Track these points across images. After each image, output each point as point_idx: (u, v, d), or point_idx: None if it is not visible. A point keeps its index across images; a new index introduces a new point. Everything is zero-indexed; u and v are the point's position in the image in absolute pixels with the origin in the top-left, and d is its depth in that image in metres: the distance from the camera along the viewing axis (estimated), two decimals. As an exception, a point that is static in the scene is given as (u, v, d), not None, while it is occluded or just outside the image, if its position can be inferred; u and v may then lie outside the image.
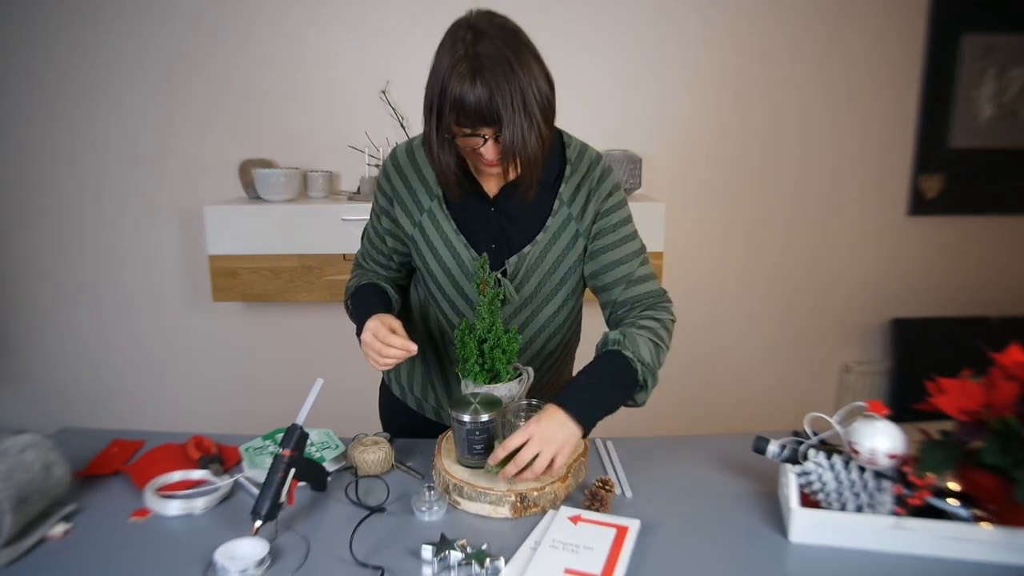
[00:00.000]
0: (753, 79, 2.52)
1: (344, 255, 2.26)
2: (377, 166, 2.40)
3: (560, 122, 1.18)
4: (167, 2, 2.33)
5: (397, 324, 1.15)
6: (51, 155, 2.43)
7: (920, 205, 2.67)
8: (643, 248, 1.25)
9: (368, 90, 2.41)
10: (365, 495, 1.11)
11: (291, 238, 2.23)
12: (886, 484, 0.98)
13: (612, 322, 1.24)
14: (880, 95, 2.58)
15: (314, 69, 2.41)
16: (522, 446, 1.02)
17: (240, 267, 2.25)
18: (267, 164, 2.41)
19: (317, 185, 2.37)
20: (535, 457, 1.01)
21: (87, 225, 2.49)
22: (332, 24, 2.39)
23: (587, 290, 1.31)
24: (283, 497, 0.98)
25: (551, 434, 1.03)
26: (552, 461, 1.02)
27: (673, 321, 1.22)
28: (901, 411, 1.86)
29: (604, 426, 1.10)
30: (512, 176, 1.10)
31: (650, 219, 2.23)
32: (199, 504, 1.06)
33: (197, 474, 1.14)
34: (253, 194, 2.33)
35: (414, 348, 1.11)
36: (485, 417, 1.08)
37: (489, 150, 1.04)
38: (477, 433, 1.08)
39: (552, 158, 1.18)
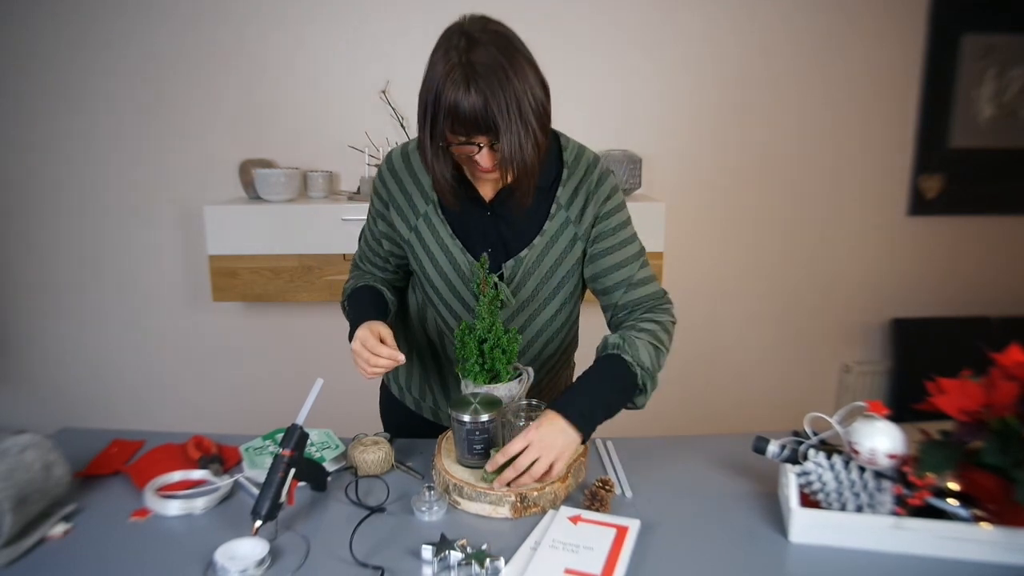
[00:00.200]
0: (753, 79, 2.52)
1: (344, 255, 2.26)
2: (377, 166, 2.40)
3: (560, 122, 1.17)
4: (167, 2, 2.33)
5: (387, 333, 1.15)
6: (51, 155, 2.43)
7: (920, 205, 2.67)
8: (643, 250, 1.25)
9: (368, 90, 2.41)
10: (365, 495, 1.11)
11: (291, 238, 2.23)
12: (886, 484, 0.98)
13: (613, 325, 1.24)
14: (880, 95, 2.58)
15: (314, 69, 2.41)
16: (521, 452, 1.02)
17: (240, 267, 2.25)
18: (267, 164, 2.41)
19: (317, 185, 2.37)
20: (533, 462, 1.01)
21: (87, 225, 2.49)
22: (332, 24, 2.39)
23: (586, 293, 1.31)
24: (283, 497, 0.98)
25: (550, 440, 1.03)
26: (551, 467, 1.02)
27: (673, 323, 1.22)
28: (901, 411, 1.86)
29: (604, 426, 1.10)
30: (508, 182, 1.09)
31: (650, 219, 2.23)
32: (199, 504, 1.06)
33: (197, 474, 1.14)
34: (253, 194, 2.33)
35: (402, 358, 1.11)
36: (485, 417, 1.08)
37: (484, 158, 1.03)
38: (477, 433, 1.08)
39: (548, 161, 1.17)
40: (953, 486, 0.98)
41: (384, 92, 2.41)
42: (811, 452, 1.03)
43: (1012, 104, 2.59)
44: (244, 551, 0.93)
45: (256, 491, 1.03)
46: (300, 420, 1.03)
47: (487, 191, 1.18)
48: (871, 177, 2.65)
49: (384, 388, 1.49)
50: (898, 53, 2.55)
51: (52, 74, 2.37)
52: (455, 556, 0.92)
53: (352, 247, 2.19)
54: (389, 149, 2.38)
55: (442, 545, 0.93)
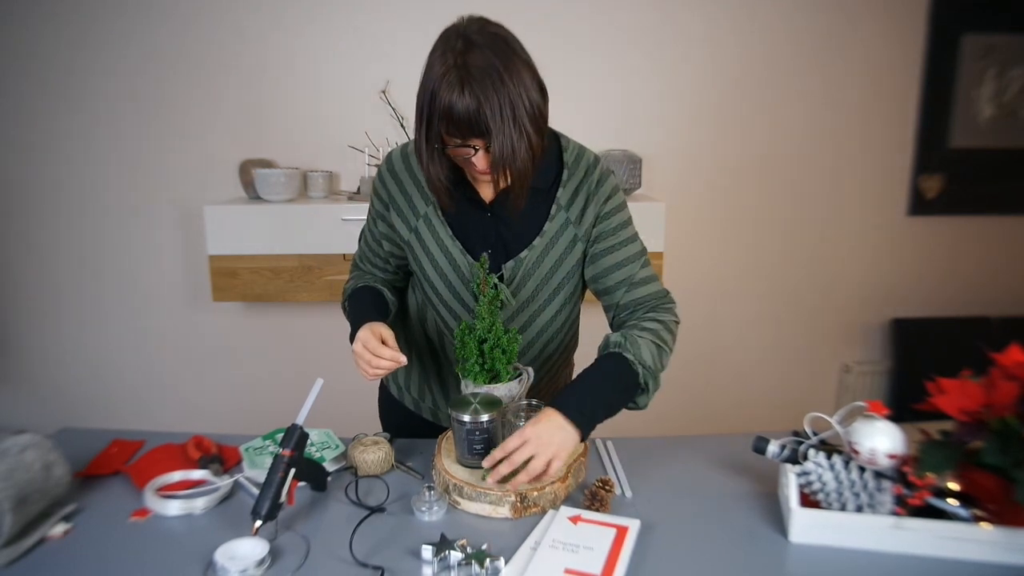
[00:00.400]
0: (753, 79, 2.52)
1: (344, 255, 2.26)
2: (377, 166, 2.40)
3: (560, 122, 1.17)
4: (167, 2, 2.33)
5: (388, 334, 1.15)
6: (51, 155, 2.43)
7: (920, 205, 2.67)
8: (644, 250, 1.24)
9: (368, 90, 2.41)
10: (365, 495, 1.11)
11: (291, 238, 2.23)
12: (886, 484, 0.98)
13: (615, 325, 1.24)
14: (880, 95, 2.58)
15: (314, 69, 2.41)
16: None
17: (240, 267, 2.25)
18: (267, 164, 2.41)
19: (317, 185, 2.37)
20: (530, 459, 1.01)
21: (87, 225, 2.49)
22: (332, 24, 2.39)
23: (586, 293, 1.31)
24: (283, 497, 0.98)
25: (548, 437, 1.02)
26: (548, 464, 1.02)
27: (677, 323, 1.22)
28: (901, 411, 1.86)
29: (604, 426, 1.10)
30: (504, 184, 1.09)
31: (650, 219, 2.23)
32: (199, 504, 1.06)
33: (197, 474, 1.14)
34: (253, 194, 2.33)
35: (404, 359, 1.11)
36: (485, 417, 1.08)
37: (480, 160, 1.03)
38: (477, 433, 1.08)
39: (549, 162, 1.17)
40: (953, 486, 0.98)
41: (384, 92, 2.41)
42: (811, 452, 1.03)
43: (1012, 104, 2.59)
44: (244, 551, 0.93)
45: (256, 491, 1.03)
46: (300, 420, 1.03)
47: (487, 192, 1.18)
48: (871, 177, 2.65)
49: (383, 388, 1.49)
50: (898, 53, 2.55)
51: (52, 74, 2.37)
52: (455, 556, 0.92)
53: (352, 247, 2.19)
54: (389, 149, 2.40)
55: (442, 545, 0.93)
